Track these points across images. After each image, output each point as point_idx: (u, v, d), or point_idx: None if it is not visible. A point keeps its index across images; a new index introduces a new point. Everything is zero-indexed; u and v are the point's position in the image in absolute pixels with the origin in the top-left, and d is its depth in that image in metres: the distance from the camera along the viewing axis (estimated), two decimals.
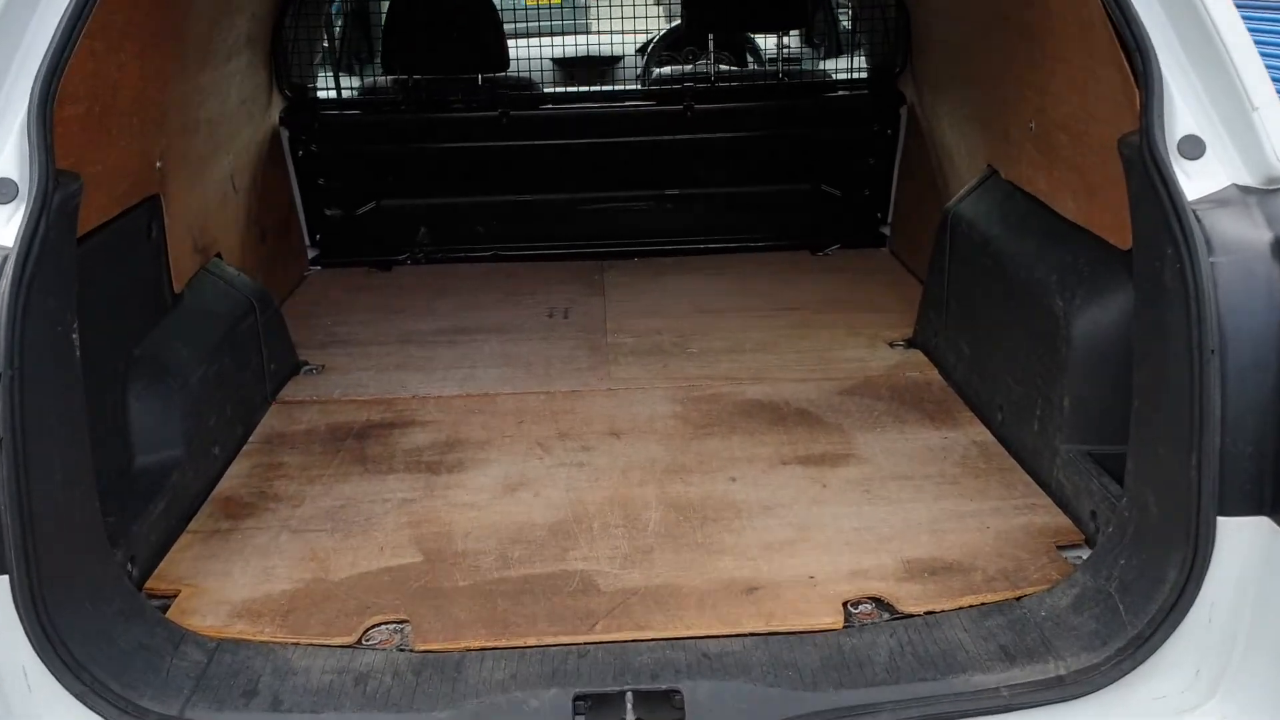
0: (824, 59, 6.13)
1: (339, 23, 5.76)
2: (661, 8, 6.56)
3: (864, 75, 5.33)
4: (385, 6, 5.21)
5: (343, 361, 4.24)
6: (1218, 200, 2.28)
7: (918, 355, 4.08)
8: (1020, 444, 3.21)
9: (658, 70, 6.76)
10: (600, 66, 7.02)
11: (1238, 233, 2.21)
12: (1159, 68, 2.34)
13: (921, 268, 4.96)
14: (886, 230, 5.53)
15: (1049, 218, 3.23)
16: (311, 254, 5.47)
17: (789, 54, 5.56)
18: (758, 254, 5.49)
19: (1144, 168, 2.35)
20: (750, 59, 7.01)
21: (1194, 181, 2.32)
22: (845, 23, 5.78)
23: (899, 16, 5.06)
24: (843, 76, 5.38)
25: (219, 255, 3.92)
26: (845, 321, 4.50)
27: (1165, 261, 2.27)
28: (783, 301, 4.80)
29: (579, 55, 6.67)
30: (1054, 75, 3.12)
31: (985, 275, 3.49)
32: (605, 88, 5.74)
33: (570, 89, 5.39)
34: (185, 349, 3.29)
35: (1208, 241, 2.20)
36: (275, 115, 5.06)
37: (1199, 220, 2.23)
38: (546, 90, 5.55)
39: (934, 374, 3.90)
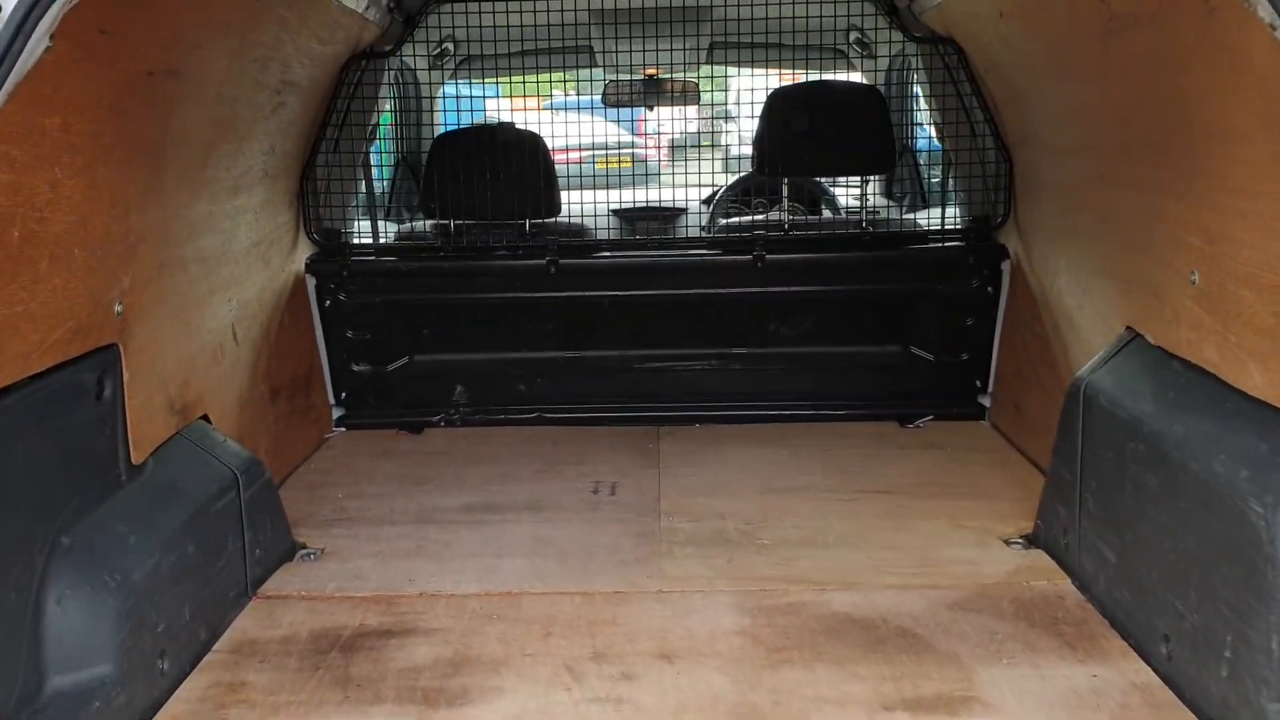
0: (913, 207, 5.51)
1: (377, 163, 5.30)
2: (729, 160, 6.05)
3: (960, 225, 4.71)
4: (427, 147, 4.72)
5: (346, 545, 3.58)
6: None
7: (1042, 559, 3.31)
8: (1201, 692, 2.42)
9: (724, 220, 6.23)
10: (663, 219, 6.51)
11: None
12: None
13: (1033, 446, 4.23)
14: (986, 400, 4.80)
15: (1225, 394, 2.50)
16: (336, 414, 4.88)
17: (872, 202, 4.95)
18: (836, 424, 4.79)
19: None
20: (824, 210, 6.44)
21: None
22: (935, 168, 5.16)
23: (999, 160, 4.45)
24: (935, 226, 4.76)
25: (205, 417, 3.33)
26: (947, 511, 3.75)
27: None
28: (869, 483, 4.07)
29: (639, 207, 6.17)
30: (1231, 215, 2.44)
31: (1136, 464, 2.75)
32: (665, 235, 5.17)
33: (625, 237, 4.83)
34: (134, 535, 2.65)
35: None
36: (300, 261, 4.55)
37: None
38: (600, 238, 4.99)
39: (1067, 584, 3.12)
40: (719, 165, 6.45)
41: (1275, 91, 2.09)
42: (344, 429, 4.88)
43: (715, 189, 6.40)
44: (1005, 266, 4.58)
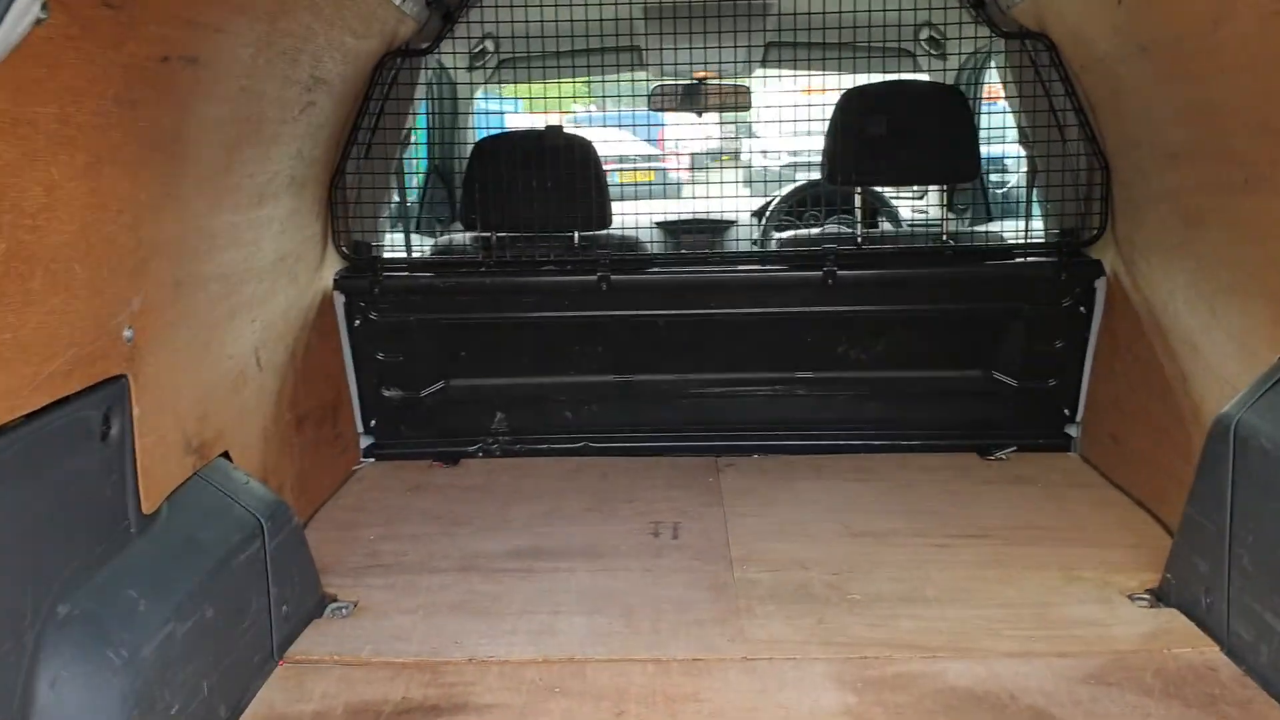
0: (981, 219, 5.08)
1: (410, 171, 4.91)
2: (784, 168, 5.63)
3: (1049, 240, 4.29)
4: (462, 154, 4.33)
5: (381, 598, 3.18)
6: None
7: (1178, 620, 2.89)
8: None
9: (777, 235, 5.82)
10: (712, 232, 6.11)
11: None
12: None
13: (1136, 483, 3.82)
14: (1074, 431, 4.38)
15: None
16: (364, 443, 4.49)
17: (936, 213, 4.52)
18: (911, 455, 4.38)
19: None
20: (883, 222, 6.03)
21: None
22: (1015, 175, 4.74)
23: (1096, 167, 4.04)
24: (1020, 241, 4.34)
25: (226, 454, 2.94)
26: (1056, 559, 3.33)
27: None
28: (961, 524, 3.65)
29: (686, 219, 5.78)
30: None
31: None
32: (727, 249, 4.74)
33: (684, 251, 4.42)
34: (145, 600, 2.26)
35: None
36: (328, 276, 4.16)
37: None
38: (656, 252, 4.59)
39: (1216, 653, 2.70)
40: (755, 175, 6.06)
41: None
42: (372, 460, 4.49)
43: (767, 200, 6.00)
44: (1100, 284, 4.16)
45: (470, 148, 4.89)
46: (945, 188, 4.41)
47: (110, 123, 2.03)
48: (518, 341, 4.43)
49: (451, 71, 5.13)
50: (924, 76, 5.43)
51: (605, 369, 4.46)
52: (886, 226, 5.77)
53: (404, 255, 4.43)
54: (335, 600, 3.15)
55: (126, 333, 2.29)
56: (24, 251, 1.83)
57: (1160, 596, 3.02)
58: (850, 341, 4.35)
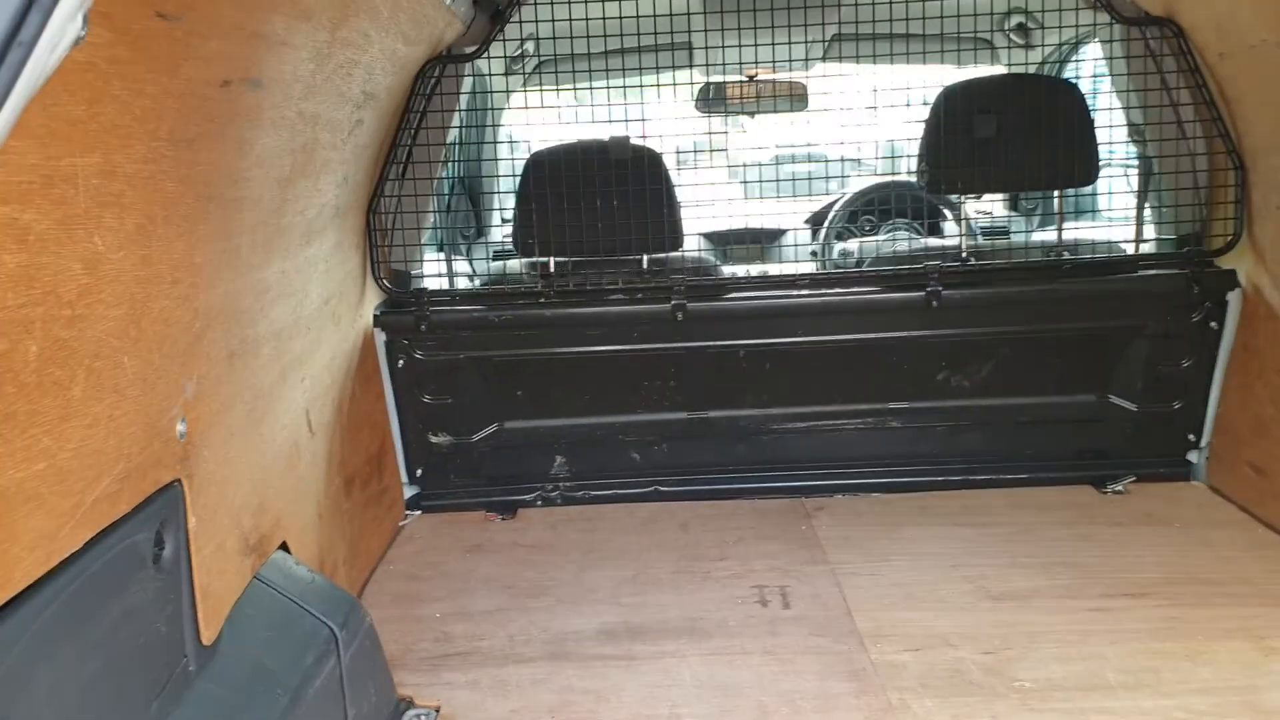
0: (1106, 227, 4.62)
1: (456, 190, 4.43)
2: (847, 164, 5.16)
3: (1175, 250, 3.85)
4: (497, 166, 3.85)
5: (467, 700, 2.71)
6: None
7: None
8: None
9: (839, 246, 5.37)
10: (765, 241, 5.65)
11: None
12: None
13: (1277, 514, 3.39)
14: (1194, 457, 3.95)
15: None
16: (409, 493, 4.02)
17: (1059, 221, 4.06)
18: (1019, 490, 3.94)
19: None
20: (948, 229, 5.59)
21: None
22: (1128, 178, 4.29)
23: (1232, 167, 3.60)
24: (1141, 251, 3.91)
25: (284, 545, 2.47)
26: (1237, 623, 2.89)
27: None
28: (1110, 580, 3.21)
29: (734, 229, 5.33)
30: None
31: None
32: (817, 271, 4.26)
33: (771, 273, 3.96)
34: None
35: None
36: (368, 314, 3.70)
37: None
38: (738, 276, 4.12)
39: None
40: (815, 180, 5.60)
41: None
42: (419, 512, 4.03)
43: (829, 201, 5.54)
44: (1234, 297, 3.72)
45: (500, 161, 4.43)
46: (1060, 194, 3.96)
47: (163, 169, 1.56)
48: (579, 378, 3.97)
49: (487, 78, 4.64)
50: (1000, 69, 4.98)
51: (676, 405, 4.00)
52: (980, 239, 5.32)
53: (451, 285, 3.95)
54: (413, 707, 2.68)
55: (180, 427, 1.82)
56: (62, 352, 1.36)
57: None
58: (952, 367, 3.90)
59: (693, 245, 4.16)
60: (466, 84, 3.87)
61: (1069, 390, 3.96)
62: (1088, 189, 3.79)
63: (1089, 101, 3.85)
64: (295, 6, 1.90)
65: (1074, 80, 4.57)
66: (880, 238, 5.30)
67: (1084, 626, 2.93)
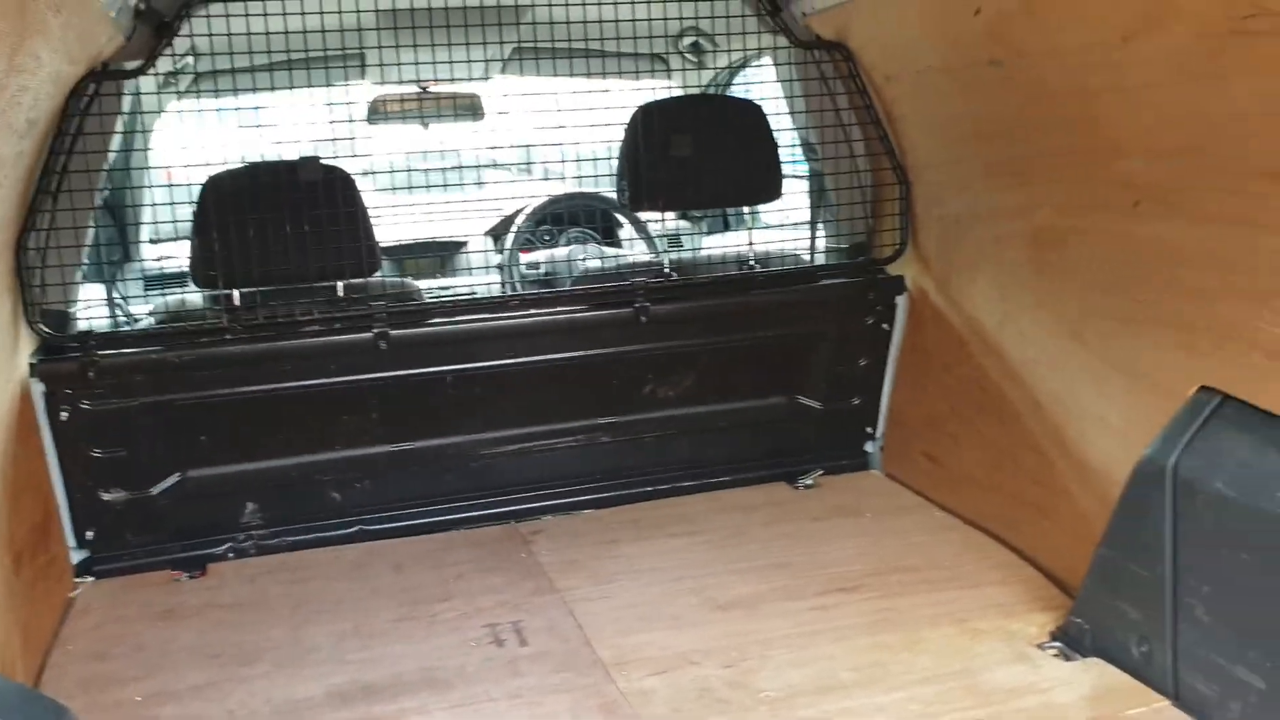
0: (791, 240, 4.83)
1: (117, 219, 3.98)
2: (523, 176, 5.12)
3: (848, 258, 4.11)
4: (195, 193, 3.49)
5: None
6: None
7: (1110, 673, 2.74)
8: None
9: (525, 258, 5.34)
10: (441, 254, 5.53)
11: None
12: None
13: (958, 502, 3.74)
14: (870, 448, 4.26)
15: None
16: (77, 558, 3.57)
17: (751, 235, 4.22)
18: (723, 493, 4.08)
19: None
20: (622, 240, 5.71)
21: None
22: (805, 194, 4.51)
23: (897, 183, 3.90)
24: (821, 261, 4.15)
25: None
26: (944, 609, 3.12)
27: None
28: (825, 577, 3.37)
29: (411, 243, 5.15)
30: None
31: None
32: (529, 293, 4.17)
33: (477, 296, 3.83)
34: None
35: None
36: (23, 363, 3.25)
37: None
38: (440, 299, 3.97)
39: (1170, 709, 2.56)
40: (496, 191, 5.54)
41: None
42: (91, 579, 3.60)
43: (503, 218, 5.49)
44: (901, 301, 4.03)
45: (153, 175, 4.05)
46: (749, 210, 4.12)
47: None
48: (271, 417, 3.69)
49: (153, 95, 4.21)
50: (675, 83, 5.12)
51: (379, 438, 3.82)
52: (684, 255, 5.43)
53: (123, 325, 3.55)
54: None
55: None
56: None
57: (1072, 644, 2.87)
58: (658, 380, 3.97)
59: (387, 268, 3.98)
60: (127, 103, 3.48)
61: (763, 394, 4.15)
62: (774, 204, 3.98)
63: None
64: None
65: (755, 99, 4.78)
66: (563, 250, 5.32)
67: (810, 627, 3.06)
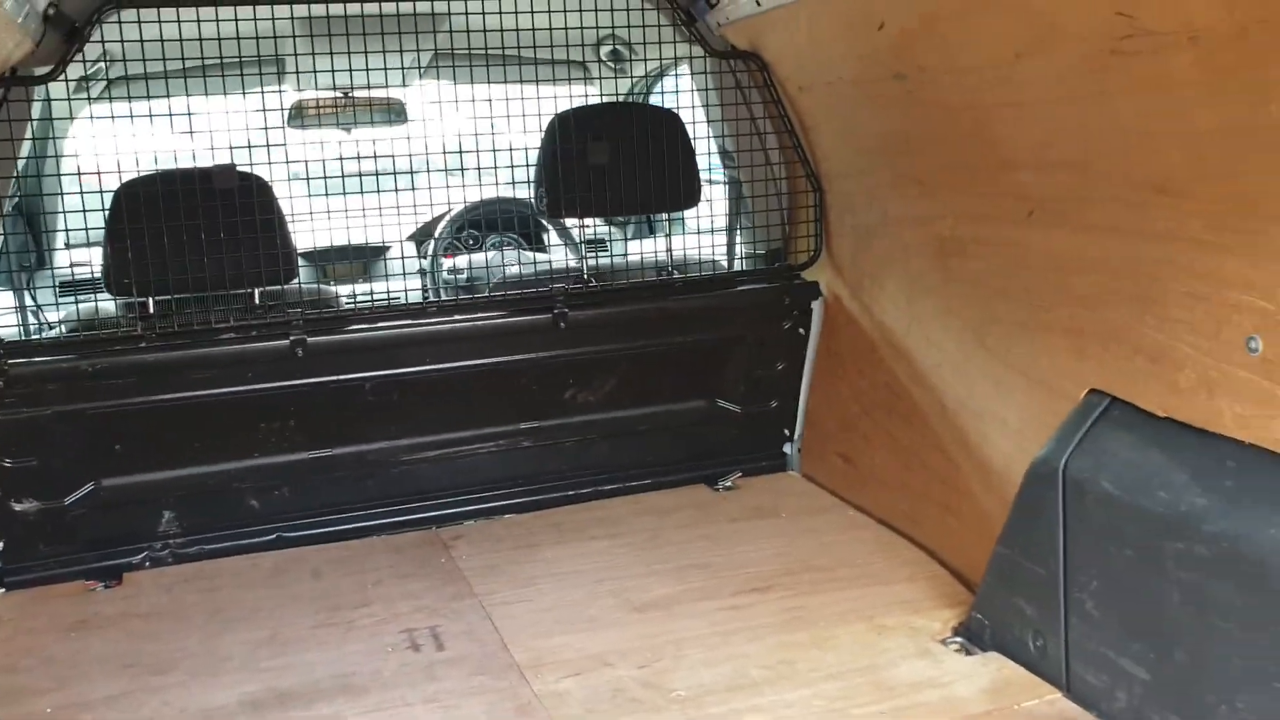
0: (709, 246, 4.91)
1: (29, 224, 3.92)
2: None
3: (766, 264, 4.20)
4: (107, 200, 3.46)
5: None
6: None
7: (1008, 667, 2.83)
8: None
9: (449, 262, 5.35)
10: (364, 258, 5.52)
11: None
12: None
13: (872, 502, 3.84)
14: (789, 449, 4.35)
15: None
16: None
17: (669, 242, 4.28)
18: (644, 496, 4.14)
19: None
20: (548, 245, 5.75)
21: None
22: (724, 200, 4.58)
23: (811, 190, 3.98)
24: (740, 266, 4.23)
25: None
26: (853, 607, 3.21)
27: None
28: (739, 578, 3.44)
29: (332, 247, 5.14)
30: None
31: (1188, 567, 2.32)
32: (448, 298, 4.18)
33: (397, 302, 3.84)
34: None
35: None
36: None
37: None
38: (361, 307, 3.98)
39: (1063, 701, 2.67)
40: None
41: None
42: (2, 590, 3.56)
43: (423, 223, 5.49)
44: (817, 306, 4.12)
45: (63, 182, 4.01)
46: (668, 217, 4.18)
47: None
48: (187, 425, 3.67)
49: (63, 102, 4.16)
50: (595, 90, 5.17)
51: (298, 445, 3.82)
52: (604, 260, 5.48)
53: (32, 333, 3.51)
54: None
55: None
56: None
57: (973, 639, 2.97)
58: (579, 385, 4.02)
59: (307, 274, 3.98)
60: (38, 108, 3.45)
61: (682, 398, 4.21)
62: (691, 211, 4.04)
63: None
64: None
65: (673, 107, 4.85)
66: (488, 254, 5.35)
67: (723, 627, 3.13)
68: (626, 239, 5.76)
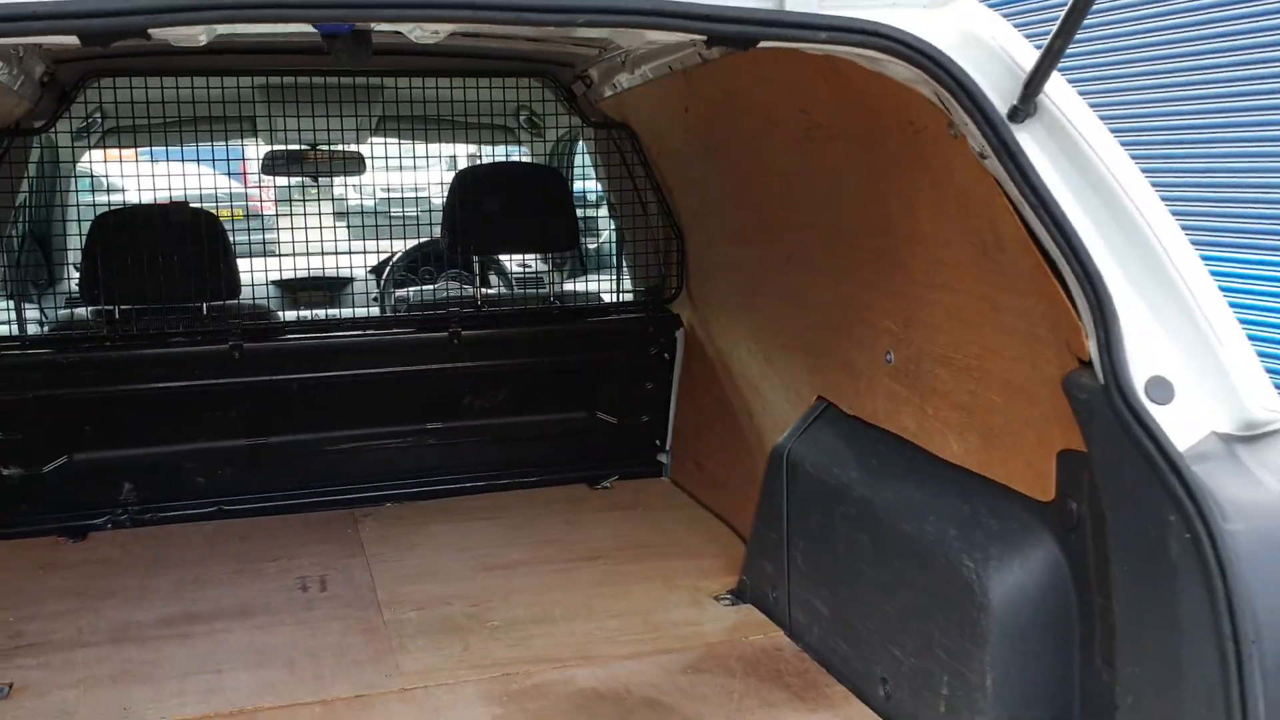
0: (590, 281, 5.73)
1: (20, 237, 4.83)
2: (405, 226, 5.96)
3: (639, 298, 5.00)
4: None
5: (37, 677, 3.23)
6: (1204, 453, 1.96)
7: (753, 614, 3.59)
8: None
9: (397, 292, 6.20)
10: (331, 289, 6.37)
11: (1248, 493, 1.88)
12: (1111, 297, 2.04)
13: (717, 501, 4.56)
14: (663, 458, 5.11)
15: (925, 461, 2.87)
16: None
17: (552, 277, 5.12)
18: (532, 490, 4.91)
19: (1113, 415, 2.01)
20: (496, 280, 6.59)
21: (1169, 431, 1.99)
22: (609, 244, 5.43)
23: (673, 237, 4.79)
24: (616, 299, 5.03)
25: None
26: (658, 572, 3.96)
27: (1166, 530, 1.90)
28: (579, 549, 4.21)
29: (304, 277, 6.00)
30: (925, 304, 2.82)
31: (846, 525, 3.08)
32: (360, 314, 5.03)
33: (319, 316, 4.69)
34: None
35: (1219, 505, 1.85)
36: None
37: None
38: (289, 319, 4.82)
39: (781, 637, 3.41)
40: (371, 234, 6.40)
41: (974, 205, 2.45)
42: None
43: (384, 258, 6.35)
44: (679, 335, 4.91)
45: (71, 221, 4.89)
46: (551, 256, 5.01)
47: None
48: (145, 413, 4.50)
49: (61, 149, 5.09)
50: (526, 151, 6.05)
51: (237, 434, 4.63)
52: (503, 289, 6.31)
53: (21, 331, 4.38)
54: None
55: None
56: None
57: (739, 595, 3.71)
58: (475, 393, 4.81)
59: (262, 293, 4.83)
60: (36, 153, 4.34)
61: (566, 409, 5.00)
62: (574, 251, 4.85)
63: (577, 184, 4.94)
64: None
65: (568, 167, 5.71)
66: (435, 286, 6.19)
67: (549, 583, 3.89)
68: (524, 277, 6.59)
